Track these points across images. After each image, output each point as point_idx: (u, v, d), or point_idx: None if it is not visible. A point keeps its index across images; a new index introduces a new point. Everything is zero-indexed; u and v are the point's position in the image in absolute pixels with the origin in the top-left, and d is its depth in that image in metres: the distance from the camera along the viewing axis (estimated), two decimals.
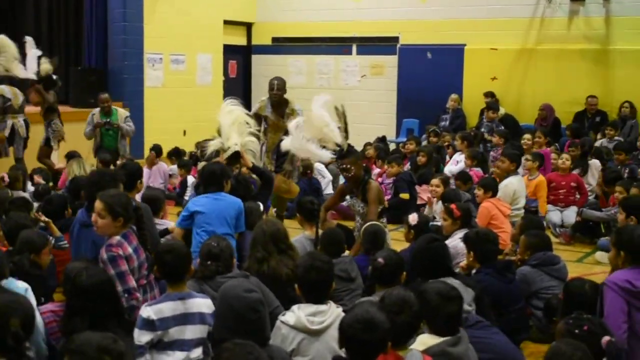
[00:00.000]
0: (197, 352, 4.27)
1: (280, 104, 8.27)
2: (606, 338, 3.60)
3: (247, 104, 16.24)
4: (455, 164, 10.54)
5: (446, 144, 11.75)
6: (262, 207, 6.41)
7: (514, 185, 8.75)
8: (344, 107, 7.12)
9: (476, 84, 14.45)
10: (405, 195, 9.79)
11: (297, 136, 7.16)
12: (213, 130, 7.77)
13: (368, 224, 6.13)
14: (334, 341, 4.00)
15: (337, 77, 16.50)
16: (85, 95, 13.80)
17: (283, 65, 16.87)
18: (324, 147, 7.18)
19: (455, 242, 6.45)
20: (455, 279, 4.85)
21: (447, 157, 11.48)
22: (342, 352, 3.42)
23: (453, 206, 6.68)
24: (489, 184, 8.35)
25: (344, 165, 6.95)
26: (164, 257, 4.27)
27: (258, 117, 8.50)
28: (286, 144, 7.50)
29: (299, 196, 8.48)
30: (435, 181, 8.86)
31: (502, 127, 12.16)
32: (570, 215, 9.34)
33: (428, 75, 14.92)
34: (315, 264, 4.24)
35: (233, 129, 7.34)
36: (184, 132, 14.91)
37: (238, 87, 17.08)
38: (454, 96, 14.43)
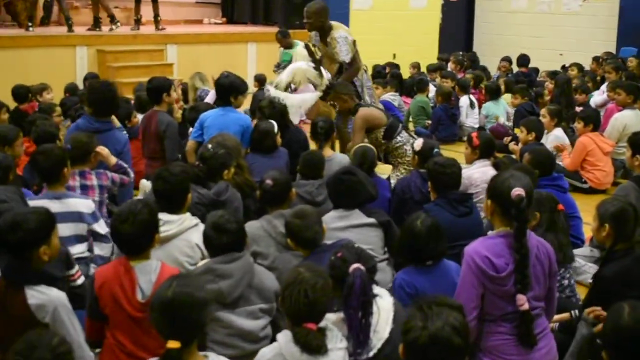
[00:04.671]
0: (79, 248, 4.59)
1: (322, 33, 7.46)
2: (354, 266, 3.32)
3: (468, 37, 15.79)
4: (601, 93, 9.49)
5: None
6: (275, 128, 6.22)
7: (626, 119, 7.75)
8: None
9: None
10: None
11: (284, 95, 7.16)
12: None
13: (358, 145, 5.97)
14: (177, 251, 4.13)
15: (558, 1, 15.36)
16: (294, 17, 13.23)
17: None
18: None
19: (471, 172, 5.99)
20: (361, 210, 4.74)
21: None
22: None
23: (474, 134, 6.21)
24: (590, 116, 7.55)
25: (330, 103, 6.97)
26: (37, 158, 4.58)
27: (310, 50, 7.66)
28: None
29: None
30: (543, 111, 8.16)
31: None
32: None
33: None
34: (162, 174, 4.31)
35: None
36: (394, 56, 14.61)
37: (459, 12, 16.50)
38: None
